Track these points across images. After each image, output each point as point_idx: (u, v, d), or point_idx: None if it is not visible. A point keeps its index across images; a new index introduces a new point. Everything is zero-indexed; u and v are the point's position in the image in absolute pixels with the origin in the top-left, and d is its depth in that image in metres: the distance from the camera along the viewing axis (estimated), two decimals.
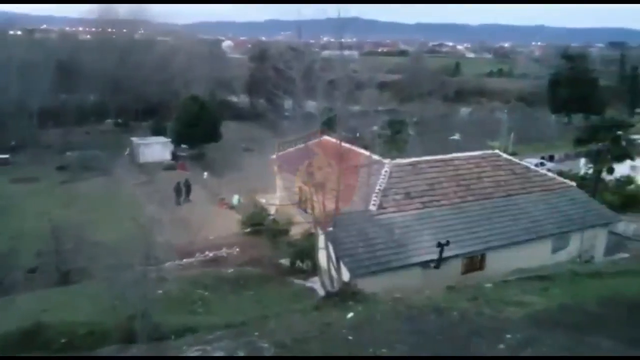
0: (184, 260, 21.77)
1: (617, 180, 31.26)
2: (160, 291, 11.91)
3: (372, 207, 18.06)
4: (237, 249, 23.70)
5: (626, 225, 26.19)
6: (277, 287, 18.03)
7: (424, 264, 16.77)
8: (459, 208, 19.31)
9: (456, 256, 17.44)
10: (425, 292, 11.29)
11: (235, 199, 32.29)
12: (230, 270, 19.21)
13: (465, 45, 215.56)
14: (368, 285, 12.80)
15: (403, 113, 62.16)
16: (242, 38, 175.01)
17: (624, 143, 28.96)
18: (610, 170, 29.37)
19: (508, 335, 3.86)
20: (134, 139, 47.00)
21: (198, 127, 45.22)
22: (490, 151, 24.23)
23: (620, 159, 28.82)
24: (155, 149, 45.49)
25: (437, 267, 16.76)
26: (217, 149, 45.59)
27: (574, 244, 20.49)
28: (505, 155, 24.28)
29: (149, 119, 57.89)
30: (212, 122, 46.96)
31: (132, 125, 58.10)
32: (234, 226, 26.62)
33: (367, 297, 8.39)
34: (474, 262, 18.40)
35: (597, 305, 5.21)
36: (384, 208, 18.25)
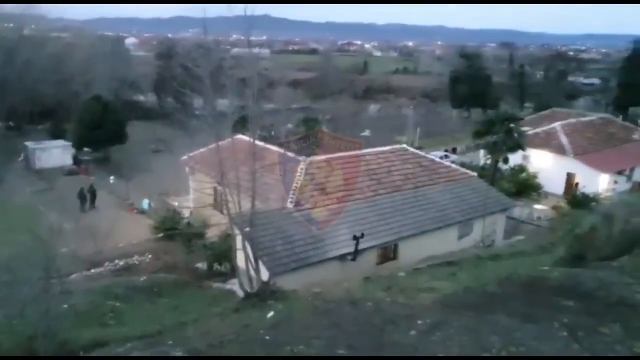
0: (92, 270, 20.37)
1: (512, 169, 34.13)
2: (65, 305, 11.03)
3: (290, 205, 18.14)
4: (150, 256, 22.63)
5: (521, 209, 28.77)
6: (195, 292, 17.49)
7: (342, 257, 17.18)
8: (372, 201, 20.02)
9: (371, 247, 18.07)
10: (343, 285, 11.56)
11: (145, 204, 30.77)
12: (144, 278, 18.30)
13: (372, 44, 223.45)
14: (288, 282, 12.84)
15: (316, 111, 63.11)
16: (146, 35, 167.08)
17: (516, 135, 31.65)
18: (506, 160, 31.98)
19: (419, 321, 4.06)
20: (29, 144, 42.97)
21: (102, 129, 42.42)
22: (398, 146, 25.36)
23: (513, 149, 31.48)
24: (54, 153, 41.94)
25: (354, 259, 17.25)
26: (123, 151, 43.11)
27: (477, 230, 22.10)
28: (412, 149, 25.56)
29: (45, 121, 53.17)
30: (117, 123, 44.32)
31: (27, 129, 53.01)
32: (146, 232, 25.36)
33: (287, 294, 8.38)
34: (388, 252, 19.20)
35: (497, 286, 5.64)
36: (301, 205, 18.42)
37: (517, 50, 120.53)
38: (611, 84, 77.60)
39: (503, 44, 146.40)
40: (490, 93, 70.62)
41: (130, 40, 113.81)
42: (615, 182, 33.26)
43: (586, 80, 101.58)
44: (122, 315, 13.85)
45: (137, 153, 43.30)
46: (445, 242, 20.17)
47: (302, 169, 19.86)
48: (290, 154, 21.14)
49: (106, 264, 21.54)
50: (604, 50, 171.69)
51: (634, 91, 64.27)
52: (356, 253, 17.19)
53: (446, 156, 40.94)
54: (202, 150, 25.36)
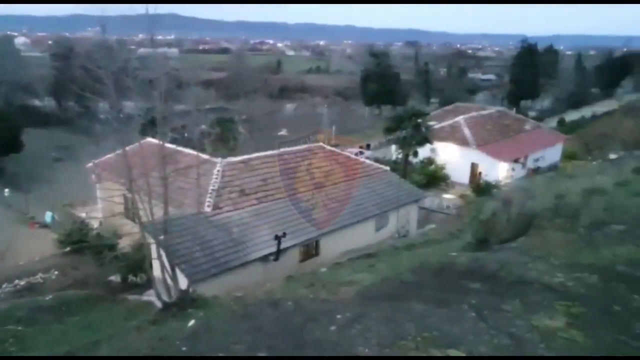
0: None
1: (422, 162, 35.91)
2: None
3: (207, 209, 17.66)
4: (56, 272, 20.93)
5: (431, 200, 30.38)
6: (109, 307, 16.44)
7: (264, 258, 17.06)
8: (293, 200, 20.10)
9: (294, 246, 18.14)
10: (266, 286, 11.49)
11: (48, 216, 28.41)
12: (50, 297, 16.87)
13: (285, 43, 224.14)
14: (209, 288, 12.51)
15: (231, 111, 62.04)
16: (40, 34, 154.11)
17: (423, 129, 33.37)
18: (416, 154, 33.60)
19: (339, 316, 4.14)
20: None
21: None
22: (315, 144, 25.68)
23: (422, 143, 33.16)
24: None
25: (276, 259, 17.21)
26: (19, 161, 39.47)
27: (393, 221, 23.02)
28: (329, 147, 26.01)
29: None
30: (10, 131, 40.46)
31: None
32: (50, 247, 23.42)
33: (208, 301, 8.14)
34: (310, 250, 19.39)
35: (411, 274, 5.90)
36: (220, 208, 18.01)
37: (422, 48, 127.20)
38: (505, 79, 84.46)
39: (408, 43, 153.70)
40: (399, 90, 73.72)
41: (20, 40, 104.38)
42: (513, 169, 36.23)
43: (484, 77, 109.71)
44: (25, 340, 12.67)
45: (35, 162, 39.84)
46: (364, 235, 20.79)
47: (218, 171, 19.44)
48: (205, 155, 20.60)
49: (4, 285, 19.61)
50: (497, 49, 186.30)
51: (524, 86, 70.62)
52: (278, 253, 17.17)
53: (361, 152, 42.10)
54: (108, 156, 23.91)
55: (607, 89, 76.69)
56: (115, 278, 19.90)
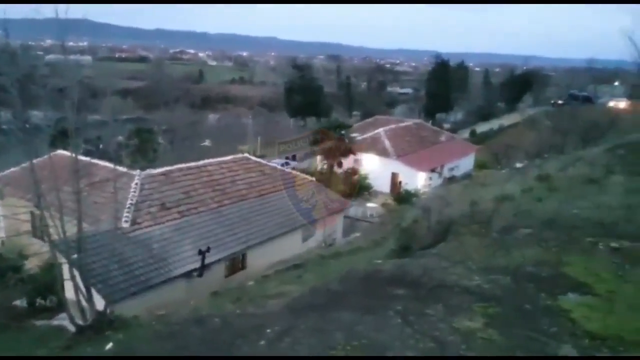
0: None
1: (346, 172, 36.70)
2: None
3: (125, 224, 16.73)
4: None
5: (356, 209, 31.09)
6: (14, 334, 15.00)
7: (188, 275, 16.44)
8: (218, 212, 19.60)
9: (219, 260, 17.65)
10: (190, 303, 11.08)
11: None
12: None
13: (206, 53, 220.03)
14: (129, 308, 11.82)
15: (150, 121, 59.59)
16: None
17: (347, 141, 34.22)
18: (340, 164, 34.33)
19: (268, 330, 4.08)
20: None
21: None
22: (240, 155, 25.33)
23: (345, 154, 33.98)
24: None
25: (200, 275, 16.64)
26: None
27: (319, 231, 23.23)
28: (254, 158, 25.78)
29: None
30: None
31: None
32: None
33: (128, 322, 7.69)
34: (237, 263, 18.99)
35: (339, 283, 5.96)
36: (139, 223, 17.13)
37: (343, 62, 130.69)
38: (421, 93, 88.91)
39: (330, 57, 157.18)
40: (322, 102, 74.97)
41: None
42: (430, 178, 38.07)
43: (401, 90, 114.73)
44: None
45: None
46: (291, 246, 20.76)
47: (137, 184, 18.52)
48: (122, 168, 19.57)
49: None
50: (413, 64, 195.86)
51: (439, 99, 74.89)
52: (203, 268, 16.62)
53: (287, 163, 42.18)
54: (13, 170, 21.96)
55: (511, 103, 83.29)
56: (20, 302, 18.19)
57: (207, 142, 51.97)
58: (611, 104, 51.87)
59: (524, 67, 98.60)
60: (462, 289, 5.29)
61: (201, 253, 16.44)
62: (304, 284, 8.96)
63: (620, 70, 70.50)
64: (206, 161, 22.41)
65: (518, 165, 34.47)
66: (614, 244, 6.37)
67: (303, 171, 31.89)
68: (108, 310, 9.70)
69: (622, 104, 49.64)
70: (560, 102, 66.54)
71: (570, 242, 6.83)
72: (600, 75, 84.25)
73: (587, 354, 3.99)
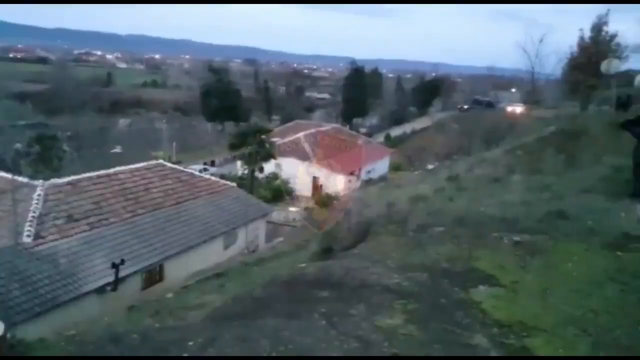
0: None
1: (267, 177, 36.57)
2: None
3: (27, 239, 15.36)
4: None
5: (278, 213, 31.06)
6: None
7: (100, 290, 15.44)
8: (131, 223, 18.62)
9: (134, 273, 16.79)
10: (104, 320, 10.43)
11: None
12: None
13: (115, 54, 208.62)
14: (34, 330, 10.84)
15: (53, 127, 55.26)
16: None
17: (267, 145, 34.10)
18: (261, 169, 34.12)
19: (190, 343, 3.95)
20: None
21: None
22: (154, 161, 24.29)
23: (266, 158, 33.84)
24: None
25: (114, 289, 15.72)
26: None
27: (241, 238, 22.90)
28: (170, 165, 24.84)
29: None
30: None
31: None
32: None
33: (33, 345, 7.04)
34: (154, 275, 18.16)
35: (262, 290, 5.92)
36: (43, 237, 15.80)
37: (261, 66, 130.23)
38: (338, 98, 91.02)
39: (247, 61, 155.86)
40: (240, 106, 74.14)
41: None
42: (350, 181, 39.06)
43: (319, 95, 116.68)
44: None
45: None
46: (212, 255, 20.24)
47: (39, 195, 17.09)
48: (22, 178, 18.00)
49: None
50: (330, 70, 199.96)
51: (355, 105, 77.11)
52: (117, 282, 15.70)
53: (205, 169, 41.20)
54: None
55: (422, 108, 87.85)
56: None
57: (117, 149, 49.30)
58: (509, 108, 56.57)
59: (433, 74, 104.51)
60: (382, 287, 5.47)
61: (115, 266, 15.52)
62: (227, 292, 8.78)
63: (517, 77, 77.06)
64: (117, 169, 21.21)
65: (430, 167, 36.38)
66: (516, 238, 6.92)
67: (223, 177, 31.32)
68: (8, 335, 8.84)
69: (518, 108, 54.31)
70: (465, 107, 71.28)
71: (478, 237, 7.33)
72: (500, 82, 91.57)
73: (496, 341, 4.30)
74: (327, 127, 48.71)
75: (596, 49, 28.60)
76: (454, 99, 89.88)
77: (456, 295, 5.29)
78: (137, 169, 21.81)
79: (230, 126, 71.02)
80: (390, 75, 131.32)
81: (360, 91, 76.64)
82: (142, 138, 57.93)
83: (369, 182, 39.98)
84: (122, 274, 15.78)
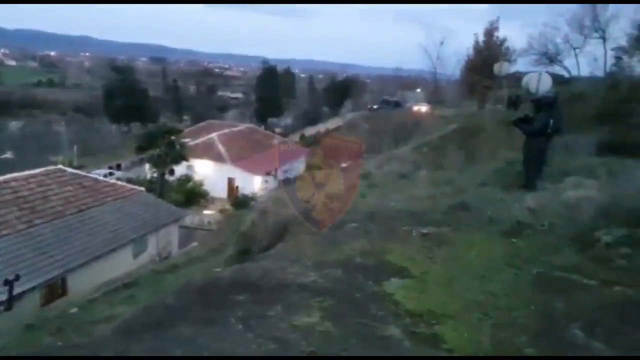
0: None
1: (179, 179, 35.27)
2: None
3: None
4: None
5: (192, 217, 30.09)
6: None
7: None
8: (27, 234, 17.04)
9: (32, 289, 15.39)
10: None
11: None
12: None
13: (2, 51, 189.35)
14: None
15: None
16: None
17: (178, 147, 32.87)
18: (172, 172, 32.82)
19: None
20: None
21: None
22: (53, 167, 22.42)
23: (177, 160, 32.61)
24: None
25: (8, 308, 14.29)
26: None
27: (152, 245, 21.87)
28: (70, 170, 23.08)
29: None
30: None
31: None
32: None
33: None
34: (55, 289, 16.78)
35: (176, 298, 5.69)
36: None
37: (169, 65, 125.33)
38: (251, 98, 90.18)
39: (154, 59, 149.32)
40: (148, 107, 70.80)
41: None
42: (266, 181, 38.89)
43: (232, 95, 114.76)
44: None
45: None
46: (120, 264, 19.13)
47: None
48: None
49: None
50: (242, 69, 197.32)
51: (268, 104, 76.87)
52: (11, 300, 14.28)
53: (111, 173, 38.85)
54: None
55: (335, 108, 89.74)
56: None
57: (8, 154, 44.83)
58: (415, 108, 59.63)
59: (344, 74, 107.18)
60: (299, 286, 5.50)
61: (8, 283, 14.11)
62: (137, 303, 8.32)
63: (421, 78, 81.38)
64: (9, 176, 19.29)
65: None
66: (423, 231, 7.28)
67: (130, 181, 29.69)
68: None
69: (423, 108, 57.43)
70: (375, 106, 73.92)
71: (389, 232, 7.61)
72: (406, 82, 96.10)
73: (409, 331, 4.50)
74: (241, 127, 48.08)
75: (489, 52, 31.09)
76: (364, 99, 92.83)
77: (370, 289, 5.46)
78: (33, 176, 20.00)
79: (137, 127, 67.56)
80: (303, 75, 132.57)
81: (273, 91, 76.56)
82: (38, 142, 53.19)
83: (286, 182, 40.07)
84: (17, 290, 14.38)
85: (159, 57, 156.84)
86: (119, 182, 24.90)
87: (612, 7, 34.53)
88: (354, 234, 7.77)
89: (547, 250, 6.31)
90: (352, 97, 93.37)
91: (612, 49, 35.64)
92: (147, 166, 36.24)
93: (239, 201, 33.20)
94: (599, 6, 33.91)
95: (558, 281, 5.42)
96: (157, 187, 30.61)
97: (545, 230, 7.00)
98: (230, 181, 37.64)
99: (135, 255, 20.70)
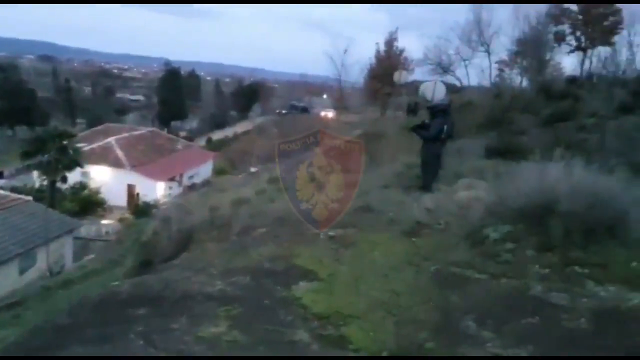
0: None
1: (72, 187, 32.62)
2: None
3: None
4: None
5: (88, 228, 27.98)
6: None
7: None
8: None
9: None
10: None
11: None
12: None
13: None
14: None
15: None
16: None
17: (71, 152, 30.40)
18: (64, 179, 30.26)
19: None
20: None
21: None
22: None
23: (70, 167, 30.15)
24: None
25: None
26: None
27: (42, 259, 20.00)
28: None
29: None
30: None
31: None
32: None
33: None
34: None
35: (68, 316, 5.23)
36: None
37: (60, 64, 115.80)
38: (153, 100, 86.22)
39: (42, 57, 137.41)
40: (36, 109, 64.82)
41: None
42: (170, 187, 37.34)
43: (132, 97, 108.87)
44: None
45: None
46: (4, 282, 17.24)
47: None
48: None
49: None
50: (143, 70, 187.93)
51: (172, 107, 74.02)
52: None
53: None
54: None
55: (243, 112, 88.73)
56: None
57: None
58: (323, 113, 60.94)
59: (251, 79, 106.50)
60: (205, 296, 5.33)
61: None
62: (24, 324, 7.53)
63: (327, 84, 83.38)
64: None
65: (252, 169, 37.02)
66: (331, 233, 7.42)
67: (15, 190, 26.90)
68: None
69: (330, 113, 58.87)
70: (283, 111, 74.40)
71: (298, 235, 7.66)
72: (312, 88, 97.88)
73: (316, 334, 4.54)
74: (142, 130, 45.71)
75: (389, 61, 32.74)
76: (272, 104, 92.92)
77: (279, 294, 5.43)
78: None
79: (23, 131, 61.46)
80: (209, 78, 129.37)
81: (177, 93, 73.84)
82: None
83: (191, 188, 38.73)
84: None
85: (48, 55, 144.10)
86: (1, 192, 22.48)
87: (494, 23, 38.19)
88: (262, 239, 7.70)
89: (444, 247, 6.74)
90: (260, 102, 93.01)
91: (496, 62, 39.38)
92: (35, 173, 33.09)
93: (140, 209, 31.44)
94: (484, 22, 37.29)
95: (453, 276, 5.80)
96: (48, 197, 28.00)
97: (442, 229, 7.47)
98: (130, 188, 35.54)
99: (22, 272, 18.80)
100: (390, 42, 33.64)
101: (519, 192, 6.77)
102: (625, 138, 18.62)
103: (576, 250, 5.76)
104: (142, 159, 37.73)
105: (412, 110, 10.30)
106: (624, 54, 36.40)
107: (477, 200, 7.78)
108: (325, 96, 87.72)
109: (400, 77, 21.84)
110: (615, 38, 36.20)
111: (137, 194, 34.97)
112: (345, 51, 56.68)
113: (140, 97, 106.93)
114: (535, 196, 6.38)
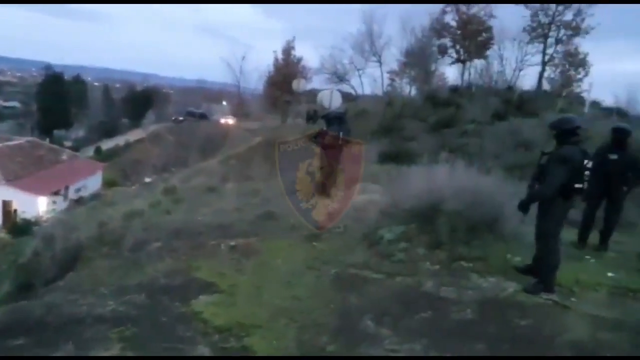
0: None
1: None
2: None
3: None
4: None
5: None
6: None
7: None
8: None
9: None
10: None
11: None
12: None
13: None
14: None
15: None
16: None
17: None
18: None
19: None
20: None
21: None
22: None
23: None
24: None
25: None
26: None
27: None
28: None
29: None
30: None
31: None
32: None
33: None
34: None
35: None
36: None
37: None
38: (32, 107, 78.35)
39: None
40: None
41: None
42: (54, 202, 34.10)
43: (6, 104, 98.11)
44: None
45: None
46: None
47: None
48: None
49: None
50: (19, 74, 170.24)
51: (54, 115, 67.86)
52: None
53: None
54: None
55: (135, 120, 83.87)
56: None
57: None
58: (223, 120, 59.71)
59: (144, 85, 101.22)
60: (95, 318, 4.95)
61: None
62: None
63: (225, 91, 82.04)
64: None
65: (147, 180, 35.12)
66: (232, 243, 7.30)
67: None
68: None
69: (230, 120, 57.87)
70: (180, 118, 71.68)
71: (197, 247, 7.43)
72: (210, 94, 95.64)
73: (217, 347, 4.42)
74: (19, 140, 41.23)
75: (287, 69, 33.12)
76: (167, 111, 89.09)
77: (177, 310, 5.21)
78: None
79: None
80: (97, 83, 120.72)
81: (60, 100, 67.81)
82: None
83: (79, 202, 35.69)
84: None
85: None
86: None
87: (385, 35, 40.39)
88: (157, 254, 7.34)
89: (343, 250, 6.95)
90: (154, 108, 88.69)
91: (387, 72, 41.65)
92: None
93: (17, 227, 28.27)
94: (375, 33, 39.27)
95: (352, 278, 5.99)
96: None
97: (341, 232, 7.70)
98: (6, 204, 31.87)
99: None
100: (287, 50, 34.07)
101: (410, 194, 7.21)
102: (499, 142, 20.73)
103: (461, 246, 6.27)
104: (19, 172, 34.04)
105: (312, 117, 10.49)
106: (495, 67, 40.64)
107: (373, 204, 8.14)
108: (224, 103, 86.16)
109: (299, 85, 22.21)
110: (488, 52, 40.18)
111: (15, 211, 31.49)
112: (244, 58, 56.36)
113: (16, 104, 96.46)
114: (424, 197, 6.83)
